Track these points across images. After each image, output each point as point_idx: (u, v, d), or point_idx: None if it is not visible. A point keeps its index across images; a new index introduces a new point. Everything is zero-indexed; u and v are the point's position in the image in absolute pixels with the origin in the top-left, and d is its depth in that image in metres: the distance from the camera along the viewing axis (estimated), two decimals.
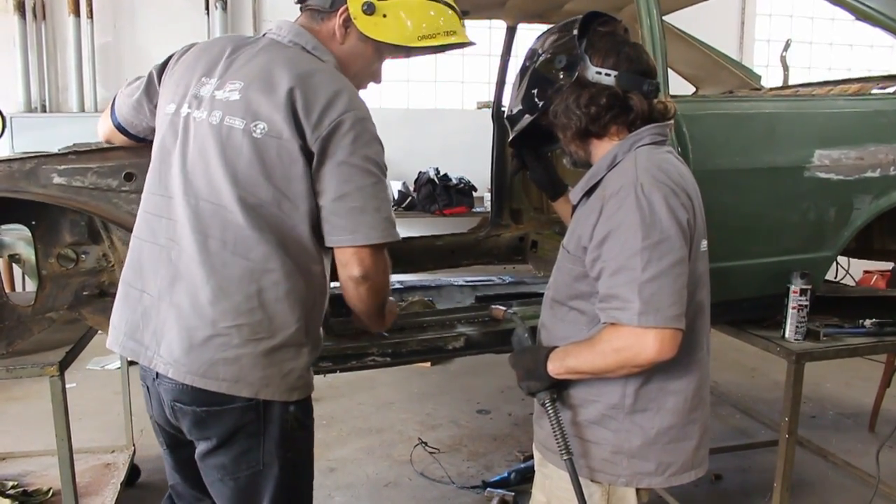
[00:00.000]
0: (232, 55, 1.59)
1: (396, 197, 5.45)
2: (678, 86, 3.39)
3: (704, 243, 1.61)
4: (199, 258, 1.49)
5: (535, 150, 2.02)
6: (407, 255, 3.38)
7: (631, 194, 1.47)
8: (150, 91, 1.73)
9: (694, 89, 3.77)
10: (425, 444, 3.63)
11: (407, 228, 4.98)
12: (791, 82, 3.71)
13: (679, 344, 1.46)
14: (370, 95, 1.80)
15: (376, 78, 1.75)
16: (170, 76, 1.68)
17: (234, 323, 1.48)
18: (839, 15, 2.73)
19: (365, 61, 1.69)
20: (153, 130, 1.75)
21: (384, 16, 1.63)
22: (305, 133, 1.47)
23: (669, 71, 2.53)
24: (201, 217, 1.50)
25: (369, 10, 1.61)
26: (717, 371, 4.68)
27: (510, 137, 1.86)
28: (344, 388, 4.38)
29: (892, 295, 3.01)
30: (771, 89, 3.51)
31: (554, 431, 1.60)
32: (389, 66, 1.77)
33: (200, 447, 1.58)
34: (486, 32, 5.65)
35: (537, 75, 1.71)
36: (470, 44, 1.77)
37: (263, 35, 1.68)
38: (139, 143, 1.87)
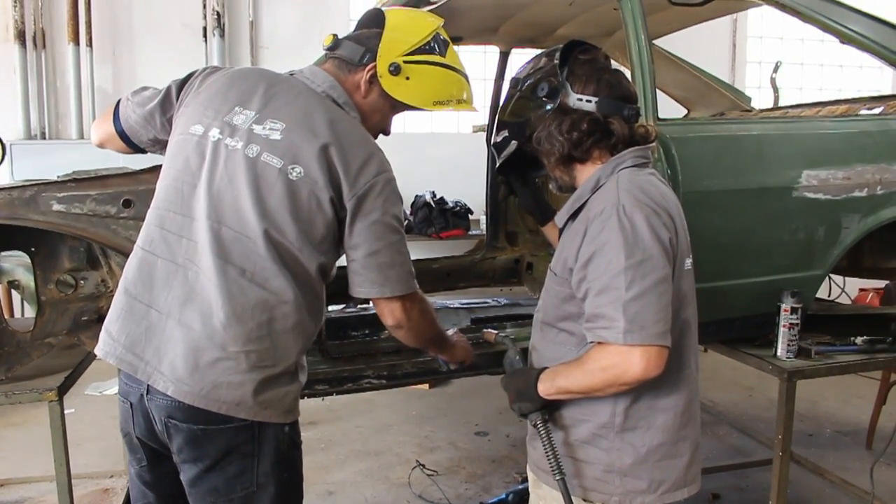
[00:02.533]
0: (269, 91, 1.64)
1: None
2: (671, 108, 3.45)
3: (689, 262, 1.63)
4: (217, 281, 1.51)
5: (522, 176, 2.06)
6: None
7: (613, 215, 1.50)
8: (166, 105, 1.76)
9: (686, 111, 3.82)
10: (423, 466, 3.64)
11: None
12: (782, 103, 3.75)
13: (665, 361, 1.48)
14: None
15: (387, 130, 1.84)
16: (194, 96, 1.70)
17: (244, 349, 1.51)
18: (828, 37, 2.78)
19: (381, 116, 1.78)
20: (155, 143, 1.79)
21: (407, 78, 1.72)
22: (343, 189, 1.56)
23: (661, 93, 2.57)
24: (222, 242, 1.53)
25: (396, 71, 1.70)
26: (713, 390, 4.71)
27: (497, 164, 1.90)
28: (342, 411, 4.38)
29: (883, 312, 3.02)
30: (761, 111, 3.55)
31: (546, 452, 1.61)
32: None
33: (190, 472, 1.57)
34: (481, 57, 5.72)
35: (521, 103, 1.76)
36: (474, 110, 1.88)
37: (292, 74, 1.73)
38: (132, 152, 1.88)
